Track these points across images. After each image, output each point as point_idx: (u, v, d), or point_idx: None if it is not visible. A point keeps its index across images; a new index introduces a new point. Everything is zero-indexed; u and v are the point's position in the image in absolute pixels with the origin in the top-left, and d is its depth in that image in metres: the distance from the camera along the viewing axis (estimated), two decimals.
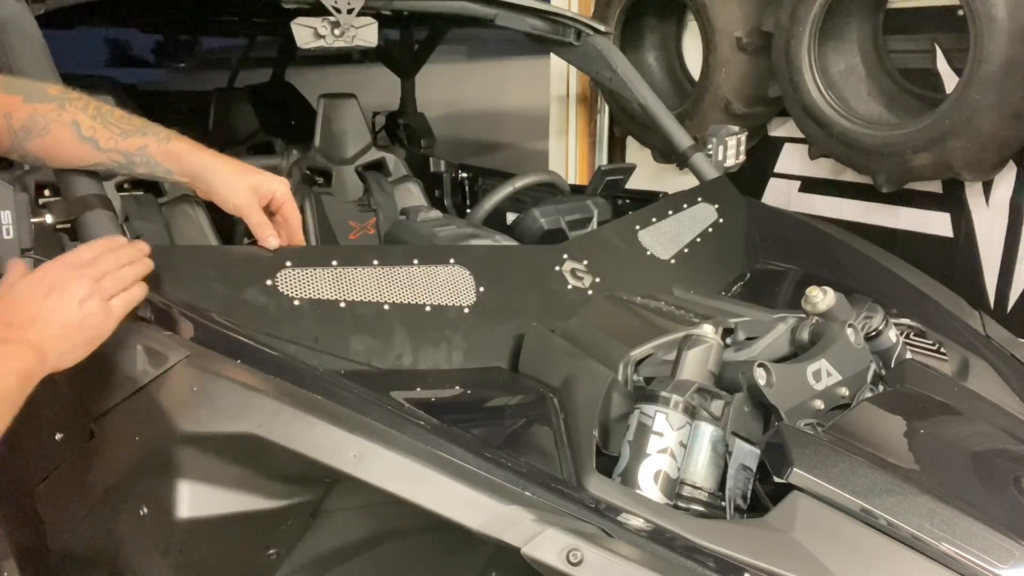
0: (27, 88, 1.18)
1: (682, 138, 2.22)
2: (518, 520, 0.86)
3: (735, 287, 1.85)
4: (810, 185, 3.09)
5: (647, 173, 3.28)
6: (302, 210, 2.61)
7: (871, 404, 1.21)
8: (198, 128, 3.94)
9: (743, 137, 2.21)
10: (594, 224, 2.07)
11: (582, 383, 1.20)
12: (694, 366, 1.11)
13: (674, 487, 1.03)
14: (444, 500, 0.88)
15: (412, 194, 2.84)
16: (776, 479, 1.00)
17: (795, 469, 0.98)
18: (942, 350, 1.54)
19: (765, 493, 1.04)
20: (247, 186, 1.26)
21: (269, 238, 1.29)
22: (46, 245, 1.23)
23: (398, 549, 1.07)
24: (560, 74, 3.88)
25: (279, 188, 1.30)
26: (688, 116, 3.09)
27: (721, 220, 1.96)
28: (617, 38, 3.31)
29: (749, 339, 1.28)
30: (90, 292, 1.00)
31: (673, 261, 1.76)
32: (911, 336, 1.54)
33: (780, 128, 3.16)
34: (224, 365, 1.00)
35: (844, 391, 1.19)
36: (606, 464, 1.06)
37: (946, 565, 0.91)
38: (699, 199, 1.97)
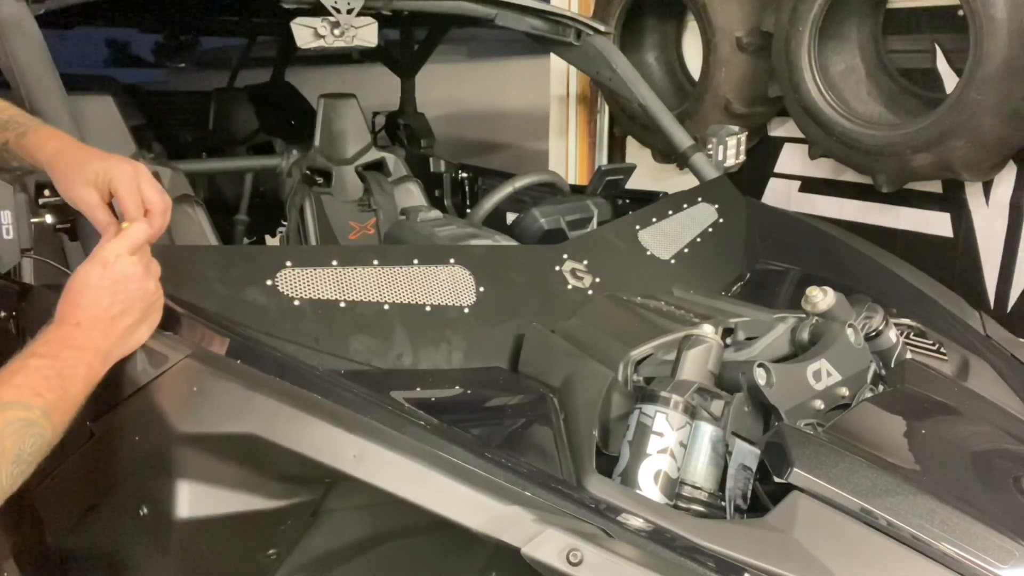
0: None
1: (682, 138, 2.22)
2: (518, 520, 0.86)
3: (735, 287, 1.85)
4: (810, 185, 3.09)
5: (647, 173, 3.28)
6: (302, 210, 2.61)
7: (871, 404, 1.21)
8: (198, 128, 3.95)
9: (743, 137, 2.20)
10: (594, 224, 2.07)
11: (582, 383, 1.20)
12: (694, 366, 1.11)
13: (674, 487, 1.03)
14: (444, 500, 0.88)
15: (412, 194, 2.83)
16: (776, 479, 1.00)
17: (795, 469, 0.98)
18: (942, 350, 1.54)
19: (765, 493, 1.04)
20: (82, 180, 1.06)
21: (111, 242, 1.01)
22: (46, 245, 1.23)
23: (398, 549, 1.07)
24: (560, 74, 3.88)
25: (116, 175, 1.05)
26: (688, 116, 3.09)
27: (721, 220, 1.96)
28: (617, 38, 3.31)
29: (749, 339, 1.28)
30: (152, 282, 1.04)
31: (673, 261, 1.76)
32: (911, 336, 1.54)
33: (780, 128, 3.16)
34: (224, 365, 1.00)
35: (844, 391, 1.19)
36: (606, 464, 1.06)
37: (946, 565, 0.91)
38: (699, 199, 1.97)
